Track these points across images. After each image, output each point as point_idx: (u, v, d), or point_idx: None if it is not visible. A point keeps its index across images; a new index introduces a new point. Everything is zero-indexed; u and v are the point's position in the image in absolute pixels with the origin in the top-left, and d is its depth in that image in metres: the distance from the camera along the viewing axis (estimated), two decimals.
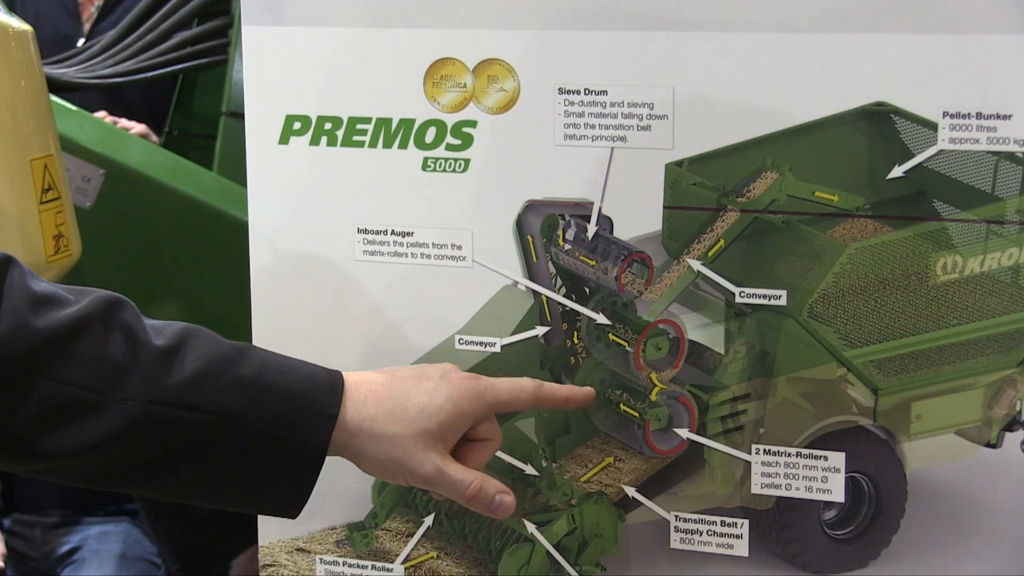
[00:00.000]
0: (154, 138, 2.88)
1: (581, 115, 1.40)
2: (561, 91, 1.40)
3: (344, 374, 1.22)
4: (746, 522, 1.41)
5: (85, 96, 2.69)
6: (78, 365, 1.14)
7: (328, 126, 1.48)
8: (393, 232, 1.47)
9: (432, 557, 1.52)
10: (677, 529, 1.44)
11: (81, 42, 3.08)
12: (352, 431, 1.20)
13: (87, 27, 3.18)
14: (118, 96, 2.73)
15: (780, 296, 1.37)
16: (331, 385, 1.21)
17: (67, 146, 2.19)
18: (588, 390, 1.32)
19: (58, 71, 2.45)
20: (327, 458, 1.19)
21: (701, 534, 1.43)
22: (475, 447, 1.26)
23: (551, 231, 1.44)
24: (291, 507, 1.22)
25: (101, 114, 2.72)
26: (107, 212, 2.31)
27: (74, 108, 2.39)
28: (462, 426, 1.24)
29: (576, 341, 1.45)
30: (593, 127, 1.40)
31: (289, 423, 1.18)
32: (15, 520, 2.96)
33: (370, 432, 1.21)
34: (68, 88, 2.44)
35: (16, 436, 1.14)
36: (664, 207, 1.40)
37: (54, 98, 2.06)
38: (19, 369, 1.13)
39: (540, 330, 1.45)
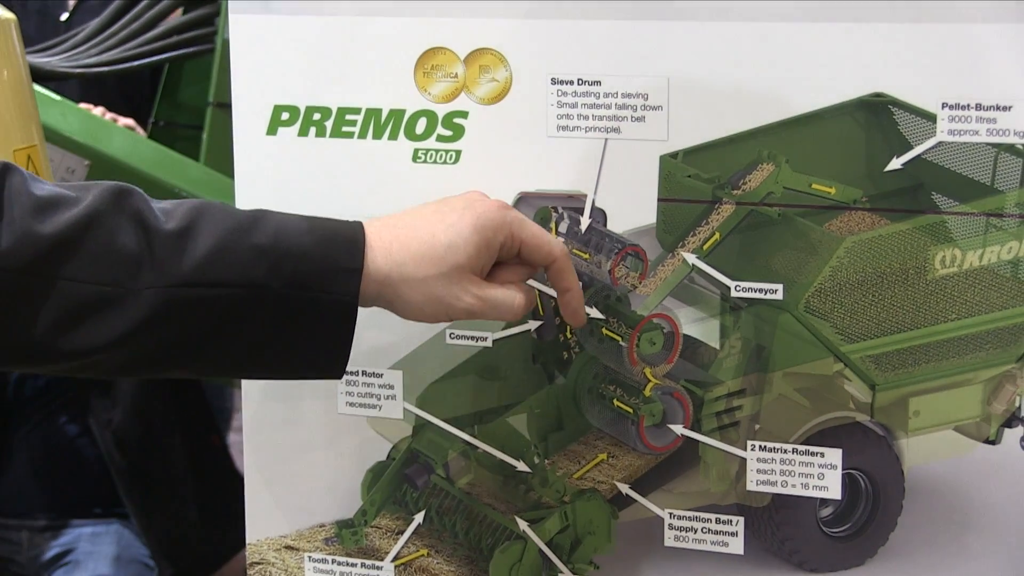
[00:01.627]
0: (140, 131, 2.86)
1: (574, 106, 1.38)
2: (554, 81, 1.39)
3: (365, 223, 1.23)
4: (741, 520, 1.40)
5: (62, 84, 2.67)
6: (92, 261, 1.14)
7: (317, 116, 1.46)
8: None
9: (423, 555, 1.51)
10: (671, 527, 1.42)
11: (64, 16, 3.05)
12: (383, 280, 1.21)
13: (71, 3, 3.15)
14: (92, 81, 2.71)
15: (776, 290, 1.36)
16: (351, 238, 1.21)
17: (51, 137, 2.17)
18: (582, 314, 1.32)
19: (42, 60, 2.43)
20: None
21: (696, 532, 1.41)
22: (511, 265, 1.27)
23: (544, 224, 1.42)
24: (333, 367, 1.22)
25: (100, 110, 2.70)
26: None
27: (58, 98, 2.37)
28: (491, 255, 1.25)
29: (569, 335, 1.44)
30: (586, 118, 1.38)
31: (314, 284, 1.18)
32: None
33: (401, 278, 1.21)
34: (52, 77, 2.42)
35: (42, 341, 1.15)
36: (658, 199, 1.38)
37: (38, 88, 2.04)
38: (32, 277, 1.13)
39: (532, 324, 1.44)
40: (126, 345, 1.16)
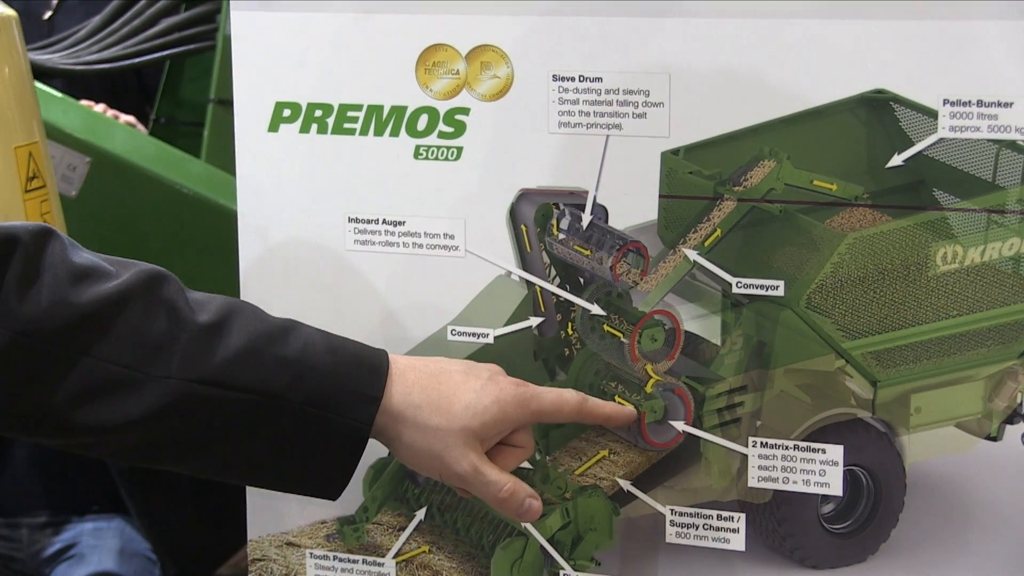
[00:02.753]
0: (141, 128, 2.86)
1: (576, 102, 1.38)
2: (555, 78, 1.38)
3: (391, 357, 1.23)
4: (743, 516, 1.40)
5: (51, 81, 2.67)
6: (118, 342, 1.14)
7: (318, 113, 1.46)
8: (384, 221, 1.46)
9: (424, 551, 1.51)
10: (672, 523, 1.42)
11: (47, 15, 3.04)
12: (395, 415, 1.21)
13: (54, 1, 3.14)
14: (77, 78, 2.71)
15: (778, 286, 1.36)
16: (376, 367, 1.21)
17: (52, 134, 2.17)
18: (630, 410, 1.35)
19: (43, 57, 2.43)
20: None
21: (697, 528, 1.41)
22: (507, 452, 1.28)
23: (545, 220, 1.42)
24: (332, 489, 1.22)
25: (101, 107, 2.70)
26: (93, 201, 2.30)
27: (59, 95, 2.37)
28: (503, 430, 1.25)
29: (570, 332, 1.43)
30: (588, 114, 1.38)
31: (332, 404, 1.18)
32: None
33: (413, 420, 1.21)
34: (53, 74, 2.42)
35: (56, 412, 1.14)
36: (660, 196, 1.38)
37: (39, 85, 2.04)
38: (59, 346, 1.13)
39: (534, 321, 1.44)
40: (135, 430, 1.15)
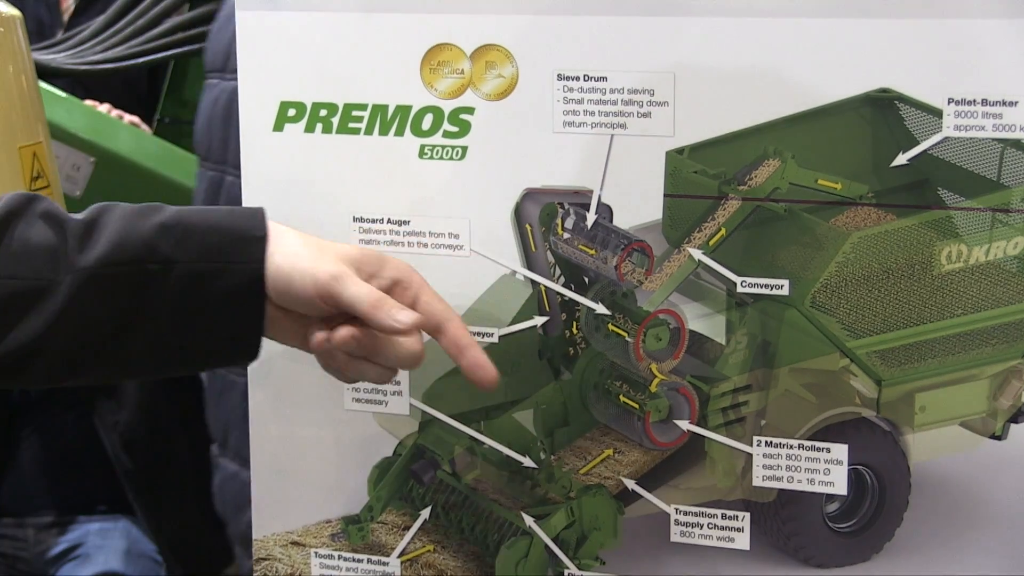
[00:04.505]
0: (145, 128, 2.86)
1: (580, 101, 1.38)
2: (560, 77, 1.38)
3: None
4: (747, 515, 1.40)
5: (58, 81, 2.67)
6: (12, 259, 1.19)
7: (323, 113, 1.46)
8: (389, 221, 1.46)
9: (429, 550, 1.51)
10: (677, 522, 1.42)
11: (60, 34, 3.06)
12: (274, 251, 1.22)
13: (66, 17, 3.15)
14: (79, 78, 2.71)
15: (782, 285, 1.36)
16: (252, 213, 1.24)
17: (56, 134, 2.17)
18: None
19: (47, 57, 2.43)
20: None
21: (702, 527, 1.41)
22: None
23: (550, 220, 1.42)
24: (248, 345, 1.23)
25: (105, 107, 2.70)
26: (98, 200, 2.29)
27: (64, 95, 2.37)
28: (377, 266, 1.24)
29: (575, 331, 1.43)
30: (593, 114, 1.38)
31: (222, 255, 1.21)
32: (0, 524, 2.94)
33: (291, 250, 1.22)
34: (57, 75, 2.42)
35: None
36: (665, 195, 1.38)
37: (43, 85, 2.03)
38: None
39: (539, 320, 1.44)
40: (54, 335, 1.19)
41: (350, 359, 1.24)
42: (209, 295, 1.21)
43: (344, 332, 1.21)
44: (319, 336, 1.23)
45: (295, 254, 1.22)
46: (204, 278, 1.20)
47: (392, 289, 1.24)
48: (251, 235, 1.22)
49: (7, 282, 1.19)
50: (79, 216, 1.22)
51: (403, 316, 1.20)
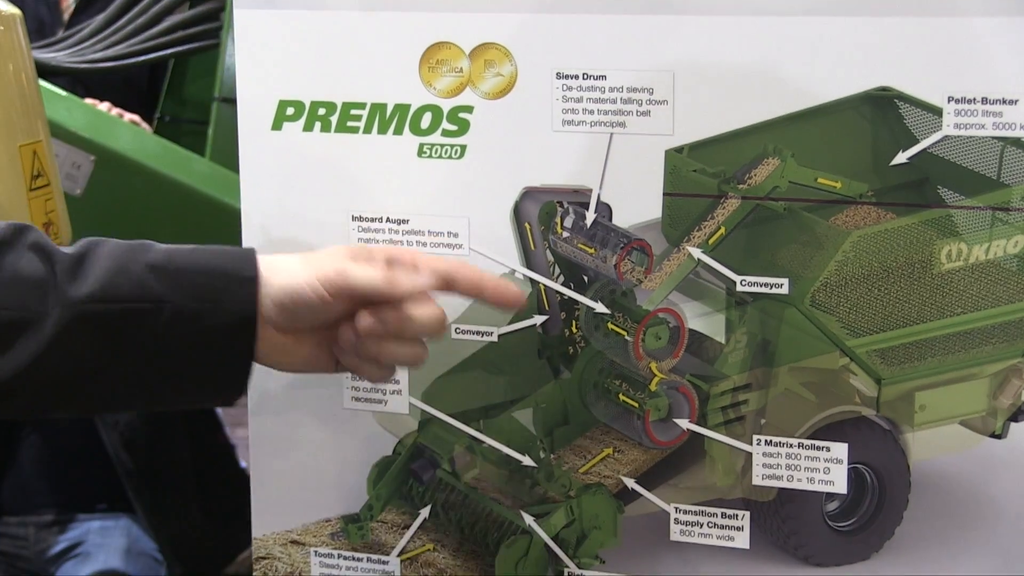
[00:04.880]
0: (146, 127, 2.86)
1: (579, 100, 1.38)
2: (559, 76, 1.38)
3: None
4: (747, 514, 1.40)
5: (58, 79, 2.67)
6: (1, 288, 1.18)
7: (322, 111, 1.46)
8: (388, 219, 1.46)
9: (428, 549, 1.51)
10: (677, 521, 1.42)
11: (60, 32, 3.05)
12: (265, 280, 1.21)
13: (66, 16, 3.15)
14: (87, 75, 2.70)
15: (782, 284, 1.35)
16: (243, 253, 1.23)
17: (57, 132, 2.16)
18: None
19: (47, 55, 2.43)
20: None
21: (701, 526, 1.41)
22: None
23: (549, 218, 1.42)
24: (235, 384, 1.23)
25: (105, 105, 2.69)
26: (98, 199, 2.30)
27: (64, 93, 2.36)
28: (367, 256, 1.23)
29: (574, 330, 1.43)
30: (592, 112, 1.38)
31: (213, 295, 1.20)
32: (1, 523, 2.94)
33: (283, 262, 1.22)
34: (57, 73, 2.42)
35: None
36: (664, 194, 1.38)
37: (43, 83, 2.03)
38: None
39: (538, 319, 1.44)
40: (40, 368, 1.18)
41: (381, 343, 1.23)
42: (199, 335, 1.20)
43: (366, 317, 1.22)
44: (345, 333, 1.23)
45: (290, 272, 1.22)
46: (195, 318, 1.20)
47: (390, 268, 1.24)
48: (242, 275, 1.21)
49: None
50: (68, 250, 1.21)
51: (418, 277, 1.21)
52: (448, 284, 1.23)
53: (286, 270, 1.22)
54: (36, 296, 1.18)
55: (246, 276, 1.21)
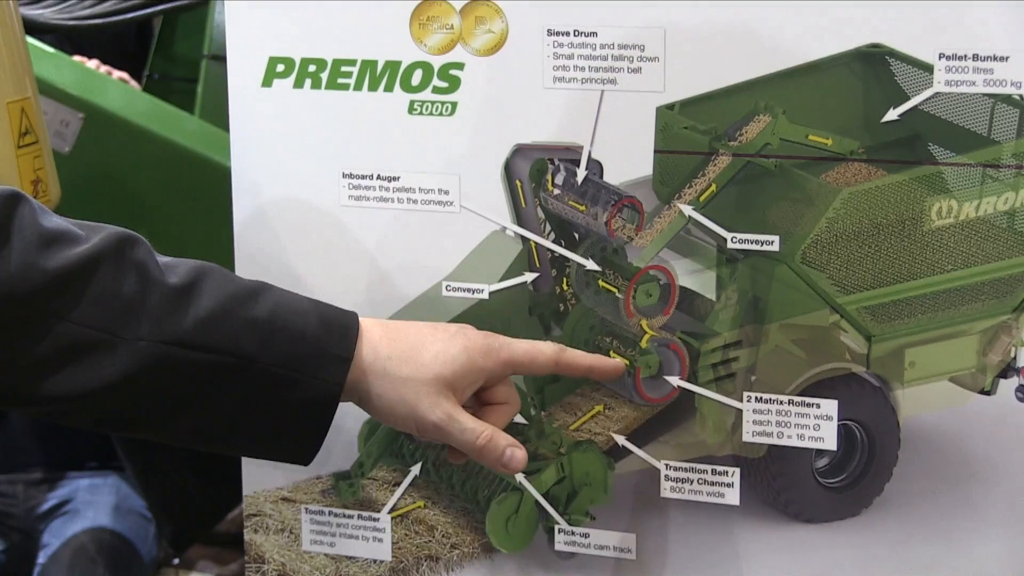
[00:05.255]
0: (134, 84, 2.85)
1: (570, 57, 1.38)
2: (550, 32, 1.38)
3: (361, 317, 1.22)
4: (737, 471, 1.40)
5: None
6: (89, 305, 1.12)
7: (312, 68, 1.45)
8: (379, 177, 1.45)
9: (419, 507, 1.51)
10: (667, 478, 1.42)
11: None
12: (365, 370, 1.20)
13: None
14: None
15: (773, 242, 1.35)
16: (345, 328, 1.20)
17: (45, 89, 2.15)
18: (617, 363, 1.31)
19: (34, 12, 2.42)
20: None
21: (692, 483, 1.42)
22: (492, 410, 1.26)
23: (540, 176, 1.42)
24: (304, 452, 1.21)
25: (94, 63, 2.68)
26: (86, 157, 2.29)
27: (52, 50, 2.36)
28: (475, 380, 1.23)
29: (565, 287, 1.43)
30: (583, 69, 1.37)
31: (303, 366, 1.17)
32: None
33: (383, 372, 1.20)
34: (45, 30, 2.40)
35: (26, 377, 1.12)
36: (655, 151, 1.38)
37: (31, 40, 2.02)
38: (28, 309, 1.11)
39: (529, 276, 1.44)
40: (106, 395, 1.14)
41: None
42: (279, 402, 1.17)
43: (456, 456, 1.27)
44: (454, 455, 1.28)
45: (387, 400, 1.21)
46: (280, 385, 1.17)
47: (492, 384, 1.26)
48: (334, 354, 1.18)
49: (75, 328, 1.12)
50: (172, 279, 1.15)
51: (512, 463, 1.23)
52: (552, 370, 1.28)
53: (386, 396, 1.21)
54: (122, 322, 1.13)
55: (341, 356, 1.18)
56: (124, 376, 1.13)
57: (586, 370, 1.29)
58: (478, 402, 1.26)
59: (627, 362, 1.38)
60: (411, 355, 1.21)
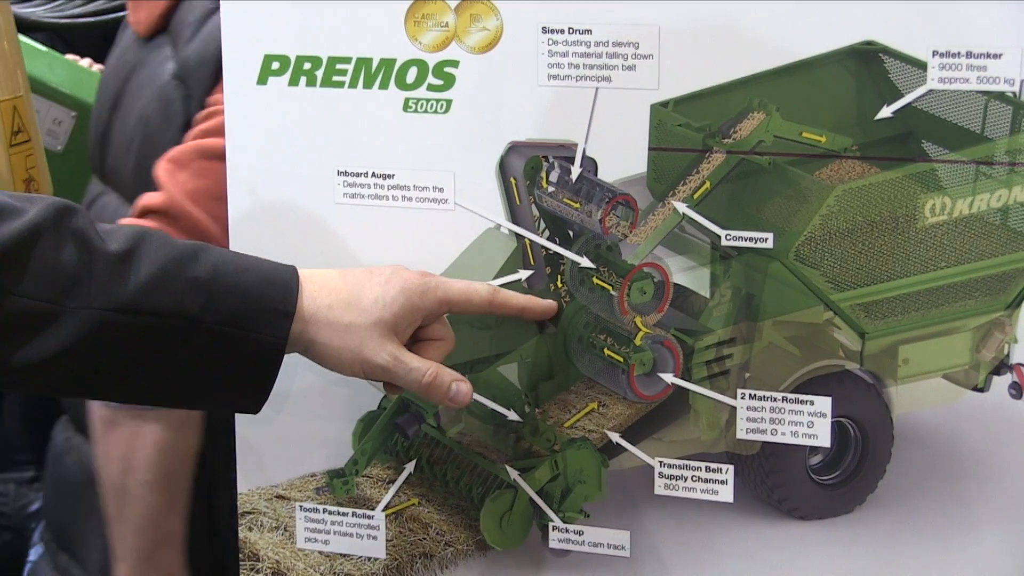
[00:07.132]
0: None
1: (565, 55, 1.38)
2: (545, 30, 1.38)
3: (299, 269, 1.25)
4: (731, 468, 1.41)
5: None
6: (32, 277, 1.14)
7: (307, 66, 1.45)
8: (374, 174, 1.45)
9: (414, 504, 1.51)
10: (661, 475, 1.43)
11: None
12: (307, 320, 1.23)
13: None
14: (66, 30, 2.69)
15: (766, 239, 1.36)
16: (286, 282, 1.23)
17: (37, 88, 2.15)
18: (549, 302, 1.37)
19: (27, 10, 2.42)
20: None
21: (686, 480, 1.42)
22: (428, 346, 1.31)
23: (534, 173, 1.42)
24: (253, 403, 1.25)
25: (87, 61, 2.68)
26: (79, 155, 2.28)
27: (44, 49, 2.35)
28: (414, 319, 1.28)
29: (560, 285, 1.43)
30: (577, 67, 1.38)
31: (246, 323, 1.20)
32: None
33: (325, 321, 1.23)
34: (38, 28, 2.41)
35: None
36: (649, 148, 1.38)
37: (23, 38, 2.02)
38: None
39: (523, 274, 1.44)
40: (57, 364, 1.16)
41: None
42: (226, 359, 1.20)
43: (392, 390, 1.32)
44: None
45: (333, 347, 1.23)
46: (225, 343, 1.19)
47: (429, 322, 1.30)
48: (277, 309, 1.21)
49: (18, 300, 1.13)
50: (112, 246, 1.17)
51: (459, 396, 1.29)
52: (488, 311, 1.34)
53: (329, 343, 1.24)
54: (66, 291, 1.15)
55: (283, 311, 1.21)
56: (72, 345, 1.15)
57: (519, 310, 1.34)
58: (413, 339, 1.30)
59: (557, 303, 1.40)
60: (351, 301, 1.24)
